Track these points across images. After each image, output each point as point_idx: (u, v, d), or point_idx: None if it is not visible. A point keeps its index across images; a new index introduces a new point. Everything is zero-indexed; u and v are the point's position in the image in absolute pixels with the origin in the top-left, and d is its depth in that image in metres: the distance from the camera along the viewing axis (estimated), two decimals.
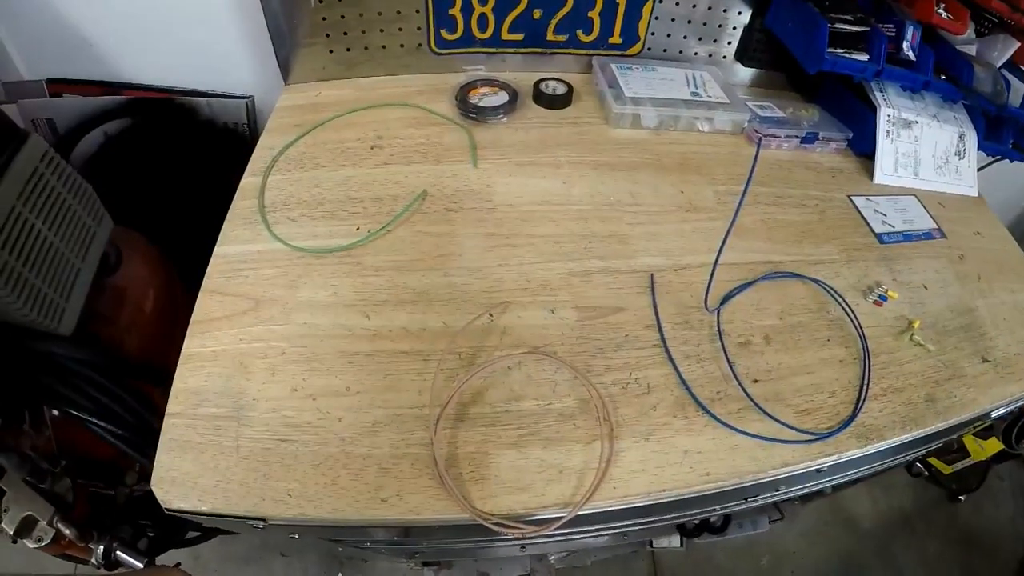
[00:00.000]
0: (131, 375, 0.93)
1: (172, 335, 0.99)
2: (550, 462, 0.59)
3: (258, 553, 1.51)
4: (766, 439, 0.64)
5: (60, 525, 0.92)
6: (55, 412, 0.89)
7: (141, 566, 1.00)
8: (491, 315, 0.70)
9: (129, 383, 0.91)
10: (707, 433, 0.64)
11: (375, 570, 1.46)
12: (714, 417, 0.65)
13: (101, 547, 0.98)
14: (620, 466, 0.60)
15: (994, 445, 1.58)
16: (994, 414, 0.81)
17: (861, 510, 1.79)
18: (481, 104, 0.93)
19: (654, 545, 1.43)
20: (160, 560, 1.09)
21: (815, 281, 0.80)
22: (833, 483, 1.01)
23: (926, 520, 1.79)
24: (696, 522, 1.33)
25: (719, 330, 0.72)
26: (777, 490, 0.82)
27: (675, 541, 1.42)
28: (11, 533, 0.89)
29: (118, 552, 1.00)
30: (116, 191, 0.99)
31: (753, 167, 0.91)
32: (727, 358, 0.70)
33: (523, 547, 1.19)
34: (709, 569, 1.59)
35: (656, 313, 0.73)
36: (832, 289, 0.79)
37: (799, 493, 0.95)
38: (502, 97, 0.95)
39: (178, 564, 1.05)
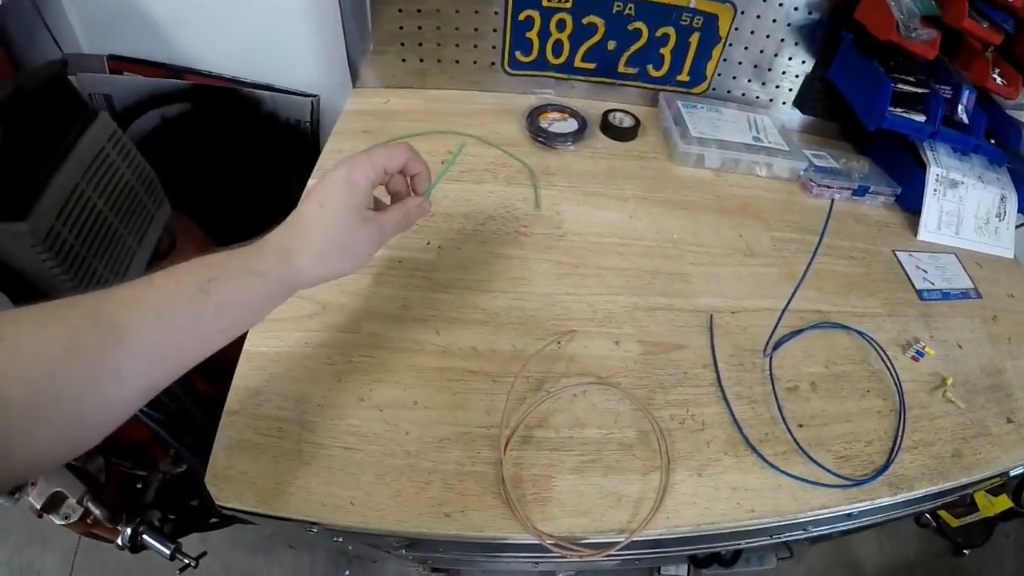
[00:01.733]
0: None
1: None
2: (609, 489, 0.62)
3: (266, 543, 1.53)
4: (808, 482, 0.66)
5: (90, 505, 0.92)
6: None
7: (168, 551, 1.01)
8: (559, 343, 0.72)
9: None
10: (755, 472, 0.66)
11: (383, 571, 1.47)
12: (762, 457, 0.67)
13: (129, 529, 0.99)
14: (674, 497, 0.62)
15: (1004, 502, 1.61)
16: (1012, 473, 0.84)
17: (866, 555, 1.80)
18: (551, 129, 0.96)
19: (662, 573, 1.45)
20: None
21: (860, 333, 0.82)
22: (850, 528, 1.03)
23: (929, 571, 1.81)
24: (707, 553, 1.35)
25: (771, 374, 0.75)
26: (805, 530, 0.84)
27: (683, 570, 1.44)
28: (38, 507, 0.89)
29: (145, 536, 1.00)
30: (169, 175, 1.00)
31: (826, 223, 0.95)
32: (777, 401, 0.72)
33: (536, 563, 1.21)
34: None
35: (713, 353, 0.75)
36: (875, 342, 0.82)
37: (820, 533, 0.98)
38: (571, 124, 0.98)
39: (203, 553, 1.07)
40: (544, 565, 1.21)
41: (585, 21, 0.96)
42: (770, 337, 0.79)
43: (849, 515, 0.73)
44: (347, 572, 1.45)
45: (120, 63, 1.11)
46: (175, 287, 0.44)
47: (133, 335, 0.40)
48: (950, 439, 0.75)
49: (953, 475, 0.73)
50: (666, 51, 1.00)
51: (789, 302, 0.83)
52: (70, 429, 0.38)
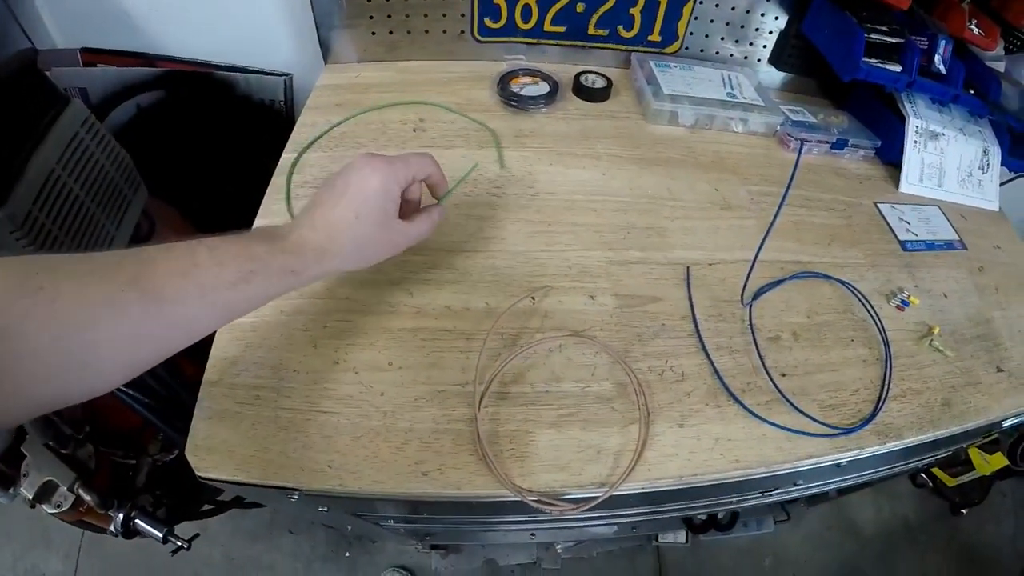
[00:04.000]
0: None
1: None
2: (588, 443, 0.61)
3: (266, 530, 1.53)
4: (793, 431, 0.66)
5: (81, 491, 0.92)
6: None
7: (160, 535, 1.01)
8: (533, 298, 0.72)
9: None
10: (737, 422, 0.65)
11: (383, 551, 1.47)
12: (745, 407, 0.66)
13: (121, 515, 0.99)
14: (655, 449, 0.62)
15: (999, 460, 1.60)
16: (1005, 424, 0.83)
17: (865, 517, 1.81)
18: (522, 93, 0.95)
19: (660, 540, 1.45)
20: None
21: (842, 283, 0.82)
22: (843, 484, 1.03)
23: (928, 532, 1.82)
24: (703, 518, 1.35)
25: (751, 324, 0.74)
26: (796, 484, 0.84)
27: (680, 537, 1.44)
28: (30, 498, 0.89)
29: (137, 521, 1.00)
30: (148, 163, 1.00)
31: (794, 171, 0.93)
32: (758, 351, 0.72)
33: (532, 534, 1.21)
34: (713, 567, 1.61)
35: (691, 304, 0.74)
36: (858, 291, 0.81)
37: (813, 491, 0.97)
38: (543, 87, 0.97)
39: (196, 535, 1.07)
40: (541, 535, 1.21)
41: None
42: (745, 284, 0.78)
43: (838, 466, 0.73)
44: (347, 554, 1.45)
45: (93, 55, 1.11)
46: (218, 271, 0.46)
47: (175, 309, 0.43)
48: (939, 388, 0.75)
49: (943, 424, 0.72)
50: (636, 11, 0.99)
51: (760, 248, 0.83)
52: (89, 382, 0.41)
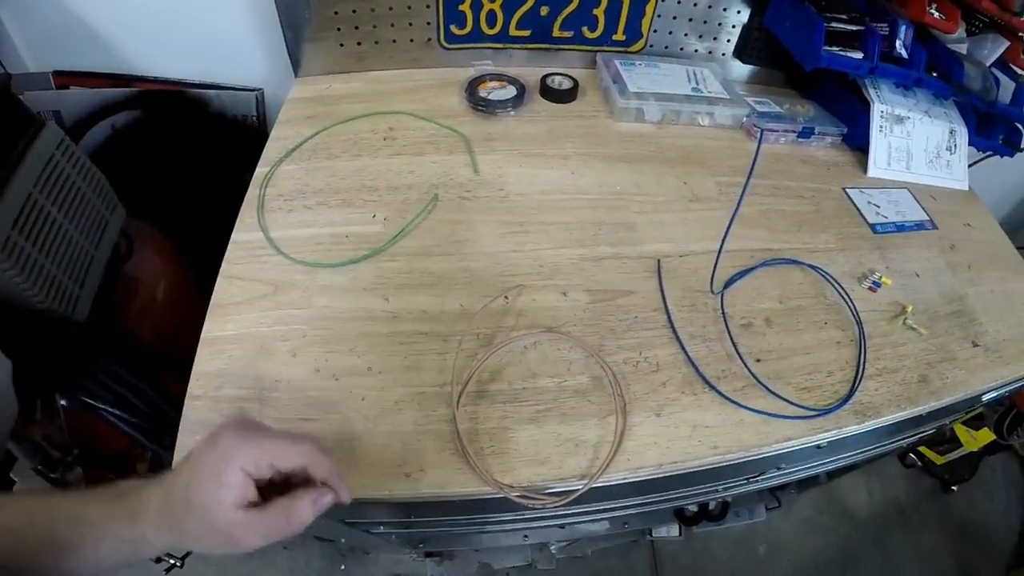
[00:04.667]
0: (146, 363, 0.94)
1: (184, 325, 1.01)
2: (567, 436, 0.62)
3: None
4: (770, 414, 0.67)
5: None
6: (63, 403, 0.89)
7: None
8: (507, 298, 0.73)
9: (144, 371, 0.92)
10: (714, 409, 0.67)
11: (378, 562, 1.47)
12: (720, 394, 0.67)
13: None
14: (633, 439, 0.63)
15: (985, 435, 1.62)
16: (985, 397, 0.85)
17: (856, 500, 1.82)
18: (490, 97, 0.96)
19: (653, 535, 1.46)
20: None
21: (812, 267, 0.83)
22: (830, 467, 1.04)
23: (920, 511, 1.83)
24: (695, 510, 1.36)
25: (723, 312, 0.75)
26: (779, 468, 0.85)
27: (674, 530, 1.44)
28: None
29: None
30: (124, 183, 1.00)
31: (755, 159, 0.94)
32: (731, 338, 0.73)
33: (526, 536, 1.21)
34: (707, 558, 1.61)
35: (663, 296, 0.76)
36: (829, 275, 0.82)
37: (799, 475, 0.98)
38: (510, 91, 0.98)
39: (188, 553, 1.06)
40: (534, 536, 1.22)
41: None
42: (713, 273, 0.79)
43: (819, 447, 0.74)
44: (343, 567, 1.44)
45: (66, 78, 1.11)
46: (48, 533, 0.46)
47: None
48: (915, 365, 0.76)
49: (922, 400, 0.74)
50: (599, 12, 1.00)
51: (725, 237, 0.84)
52: None
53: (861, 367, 0.74)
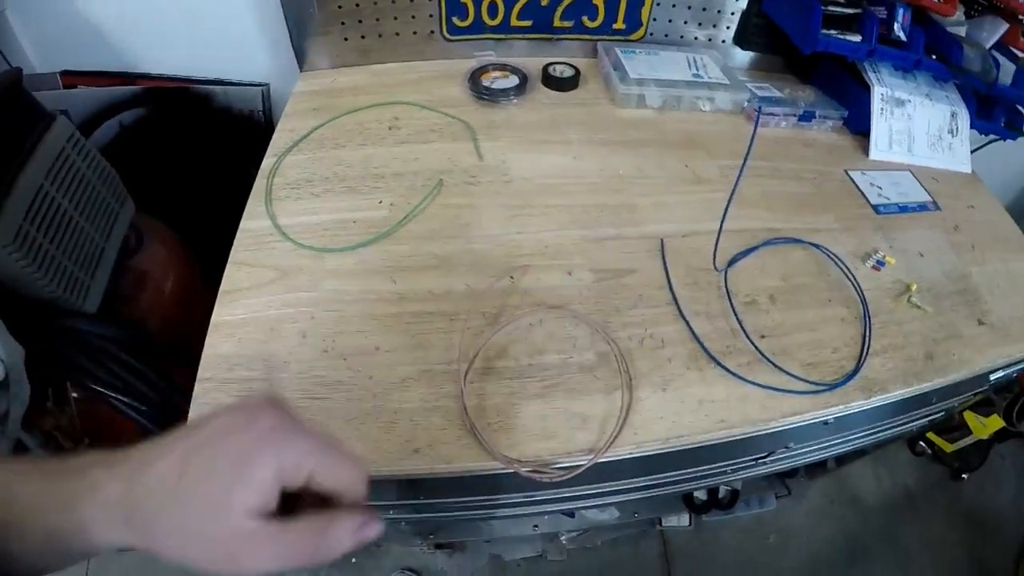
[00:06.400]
0: (154, 354, 0.95)
1: (191, 319, 1.02)
2: (574, 411, 0.63)
3: None
4: (776, 389, 0.67)
5: None
6: (75, 395, 0.90)
7: None
8: (512, 277, 0.73)
9: (153, 362, 0.93)
10: (719, 384, 0.67)
11: (389, 555, 1.47)
12: (726, 369, 0.68)
13: None
14: (640, 414, 0.63)
15: (995, 422, 1.61)
16: (992, 377, 0.85)
17: (866, 488, 1.81)
18: (493, 86, 0.97)
19: (663, 524, 1.46)
20: None
21: (815, 247, 0.84)
22: (839, 449, 1.04)
23: (929, 499, 1.81)
24: (704, 497, 1.36)
25: (727, 289, 0.76)
26: (787, 447, 0.85)
27: (684, 519, 1.44)
28: None
29: None
30: (133, 180, 1.01)
31: (752, 138, 0.95)
32: (735, 315, 0.73)
33: (535, 526, 1.22)
34: (717, 548, 1.61)
35: (667, 274, 0.76)
36: (832, 254, 0.83)
37: (807, 457, 0.98)
38: (512, 80, 0.99)
39: None
40: (544, 526, 1.22)
41: None
42: (715, 250, 0.80)
43: (826, 423, 0.74)
44: (353, 559, 1.44)
45: (74, 78, 1.13)
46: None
47: None
48: (921, 342, 0.77)
49: (928, 376, 0.74)
50: (599, 1, 1.01)
51: (725, 215, 0.84)
52: None
53: (866, 344, 0.74)
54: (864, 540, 1.73)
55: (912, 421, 1.08)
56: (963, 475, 1.85)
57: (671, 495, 1.32)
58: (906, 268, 0.85)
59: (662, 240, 0.80)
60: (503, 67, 1.01)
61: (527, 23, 1.02)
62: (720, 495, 1.38)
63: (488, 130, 0.94)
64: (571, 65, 1.04)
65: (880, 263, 0.84)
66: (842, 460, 1.46)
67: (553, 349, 0.67)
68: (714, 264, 0.79)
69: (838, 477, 1.78)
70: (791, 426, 0.69)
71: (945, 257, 0.89)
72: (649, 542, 1.58)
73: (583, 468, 0.60)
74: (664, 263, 0.78)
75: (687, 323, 0.71)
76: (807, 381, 0.69)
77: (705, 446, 0.66)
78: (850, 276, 0.81)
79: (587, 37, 1.07)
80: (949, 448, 1.78)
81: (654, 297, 0.74)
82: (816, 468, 1.55)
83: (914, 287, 0.82)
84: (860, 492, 1.81)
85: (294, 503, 0.35)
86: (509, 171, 0.88)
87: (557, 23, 1.03)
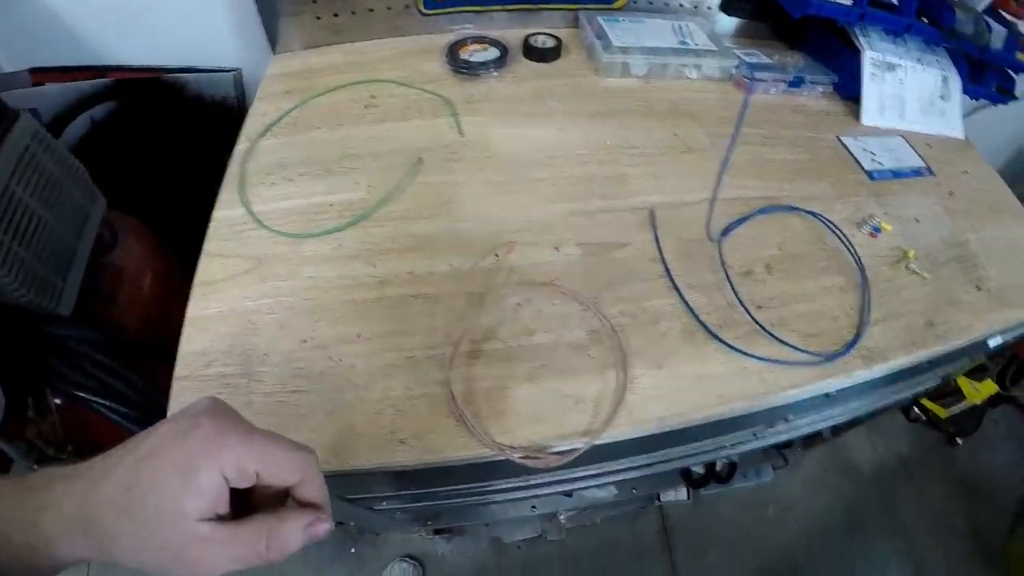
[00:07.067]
0: (134, 353, 0.92)
1: (171, 313, 0.99)
2: (566, 392, 0.61)
3: None
4: (775, 361, 0.66)
5: None
6: (57, 401, 0.87)
7: None
8: (497, 255, 0.71)
9: (133, 362, 0.90)
10: (717, 358, 0.65)
11: (388, 543, 1.46)
12: (723, 342, 0.66)
13: None
14: (635, 392, 0.61)
15: (989, 387, 1.62)
16: (991, 343, 0.83)
17: (861, 456, 1.83)
18: (472, 60, 0.94)
19: (662, 499, 1.45)
20: None
21: (811, 214, 0.81)
22: (838, 419, 1.03)
23: (924, 465, 1.83)
24: (702, 472, 1.35)
25: (721, 260, 0.74)
26: (787, 420, 0.83)
27: (682, 494, 1.44)
28: None
29: None
30: (107, 175, 0.98)
31: (745, 105, 0.93)
32: (732, 286, 0.71)
33: (533, 507, 1.20)
34: (716, 521, 1.62)
35: (659, 246, 0.74)
36: (828, 221, 0.81)
37: (806, 429, 0.97)
38: (492, 53, 0.95)
39: None
40: (542, 507, 1.20)
41: None
42: (709, 220, 0.78)
43: (828, 396, 0.73)
44: (352, 550, 1.43)
45: (43, 74, 1.08)
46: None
47: None
48: (920, 310, 0.75)
49: (928, 344, 0.73)
50: None
51: (718, 185, 0.83)
52: None
53: (866, 312, 0.73)
54: (860, 509, 1.75)
55: (910, 389, 1.07)
56: (958, 440, 1.87)
57: (669, 471, 1.32)
58: (903, 234, 0.83)
59: (653, 211, 0.78)
60: (482, 39, 0.97)
61: None
62: (718, 468, 1.37)
63: (468, 105, 0.91)
64: (553, 35, 1.00)
65: (876, 230, 0.82)
66: (838, 429, 1.45)
67: (542, 328, 0.65)
68: (708, 234, 0.76)
69: (833, 446, 1.79)
70: (792, 400, 0.67)
71: (941, 223, 0.87)
72: (648, 518, 1.59)
73: (578, 453, 0.57)
74: (655, 235, 0.75)
75: (681, 296, 0.69)
76: (807, 352, 0.67)
77: (704, 423, 0.64)
78: (847, 244, 0.79)
79: (569, 7, 1.04)
80: (943, 414, 1.79)
81: (646, 271, 0.72)
82: (812, 438, 1.54)
83: (912, 253, 0.80)
84: (855, 460, 1.83)
85: (250, 499, 0.38)
86: (491, 146, 0.85)
87: None
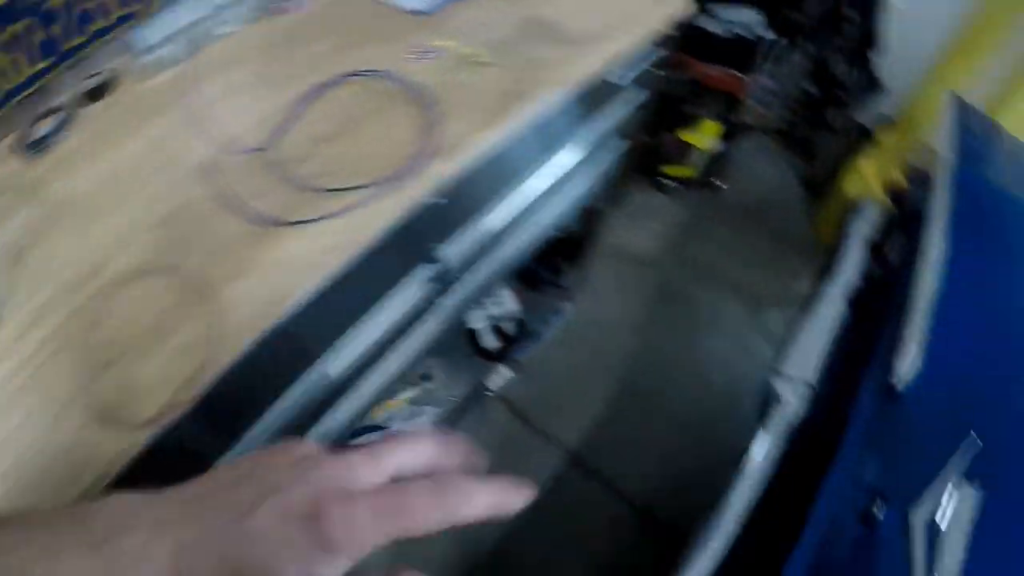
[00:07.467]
0: None
1: None
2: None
3: None
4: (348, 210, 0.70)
5: None
6: None
7: None
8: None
9: None
10: (295, 238, 0.68)
11: None
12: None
13: None
14: (233, 312, 0.63)
15: (711, 127, 1.81)
16: (621, 81, 0.98)
17: (641, 245, 1.93)
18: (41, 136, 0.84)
19: (491, 388, 1.49)
20: None
21: (362, 74, 0.84)
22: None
23: (703, 221, 1.99)
24: (499, 344, 1.44)
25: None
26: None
27: (504, 372, 1.49)
28: None
29: None
30: None
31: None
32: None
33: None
34: (553, 371, 1.65)
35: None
36: (375, 72, 0.84)
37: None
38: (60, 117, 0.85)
39: None
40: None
41: None
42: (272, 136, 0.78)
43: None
44: None
45: None
46: None
47: None
48: (496, 88, 0.84)
49: (519, 112, 0.83)
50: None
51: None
52: None
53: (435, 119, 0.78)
54: (667, 284, 1.85)
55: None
56: (717, 183, 1.98)
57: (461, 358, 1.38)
58: (471, 41, 0.89)
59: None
60: (45, 115, 0.85)
61: (47, 63, 0.84)
62: (510, 333, 1.41)
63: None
64: (103, 72, 0.90)
65: (437, 52, 0.88)
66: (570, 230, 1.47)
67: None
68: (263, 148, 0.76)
69: (616, 248, 1.84)
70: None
71: (510, 10, 0.96)
72: (493, 410, 1.57)
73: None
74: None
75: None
76: (366, 186, 0.71)
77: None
78: (402, 80, 0.83)
79: (104, 39, 0.88)
80: (692, 172, 1.90)
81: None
82: (573, 256, 1.59)
83: (476, 52, 0.87)
84: (636, 249, 1.91)
85: None
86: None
87: (67, 47, 0.85)
